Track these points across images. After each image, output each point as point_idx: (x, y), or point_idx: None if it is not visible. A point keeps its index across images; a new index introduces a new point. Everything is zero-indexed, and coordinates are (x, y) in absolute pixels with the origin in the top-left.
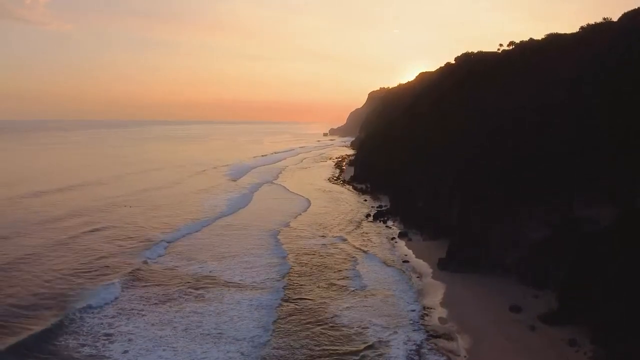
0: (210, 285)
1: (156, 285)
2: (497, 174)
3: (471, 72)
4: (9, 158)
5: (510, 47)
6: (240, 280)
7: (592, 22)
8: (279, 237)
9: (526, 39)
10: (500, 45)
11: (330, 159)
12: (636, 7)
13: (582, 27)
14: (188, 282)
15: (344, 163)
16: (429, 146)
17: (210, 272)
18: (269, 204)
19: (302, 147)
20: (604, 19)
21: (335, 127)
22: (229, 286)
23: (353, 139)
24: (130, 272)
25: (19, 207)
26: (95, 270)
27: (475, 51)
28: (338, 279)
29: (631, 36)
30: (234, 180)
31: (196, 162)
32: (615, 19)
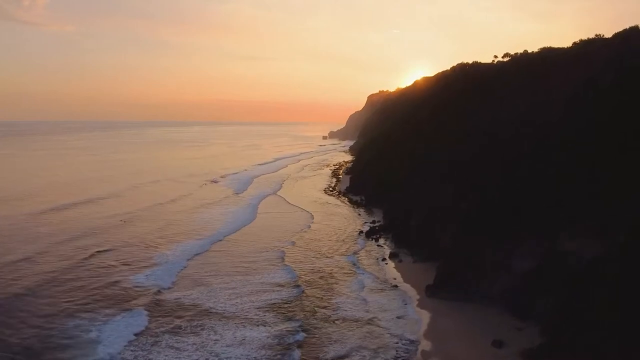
0: (225, 320)
1: (173, 318)
2: (491, 194)
3: (467, 83)
4: (15, 164)
5: (506, 59)
6: (255, 315)
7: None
8: (285, 258)
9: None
10: (495, 56)
11: (327, 166)
12: (627, 27)
13: (574, 43)
14: (203, 314)
15: (341, 171)
16: (426, 159)
17: (222, 304)
18: (272, 221)
19: (303, 152)
20: (597, 35)
21: (335, 129)
22: (243, 320)
23: (352, 142)
24: (144, 304)
25: (33, 224)
26: (108, 301)
27: (471, 61)
28: (325, 307)
29: (623, 55)
30: (238, 194)
31: (202, 171)
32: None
